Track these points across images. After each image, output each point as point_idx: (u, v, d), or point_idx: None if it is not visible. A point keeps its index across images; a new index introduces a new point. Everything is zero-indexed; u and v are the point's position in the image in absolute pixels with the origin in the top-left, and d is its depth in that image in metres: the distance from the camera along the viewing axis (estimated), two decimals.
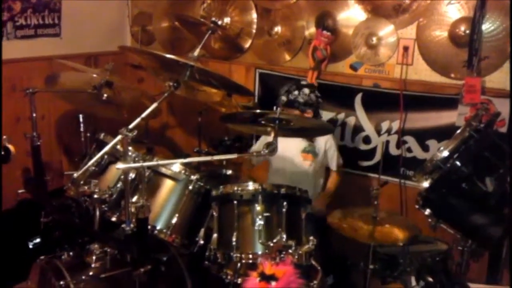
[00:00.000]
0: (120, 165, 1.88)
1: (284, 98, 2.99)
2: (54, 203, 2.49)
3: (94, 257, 2.39)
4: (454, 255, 2.63)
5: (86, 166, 2.06)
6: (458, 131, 2.24)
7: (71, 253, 2.52)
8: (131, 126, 2.05)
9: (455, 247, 2.57)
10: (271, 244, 2.03)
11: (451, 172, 2.21)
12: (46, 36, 3.65)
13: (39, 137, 2.72)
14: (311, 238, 2.13)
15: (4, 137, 2.55)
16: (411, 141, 3.33)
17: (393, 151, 3.39)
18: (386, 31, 3.29)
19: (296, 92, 2.98)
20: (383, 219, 2.59)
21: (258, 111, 2.14)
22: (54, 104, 3.66)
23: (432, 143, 3.24)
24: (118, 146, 2.21)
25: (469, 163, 2.18)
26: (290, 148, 3.02)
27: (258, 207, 2.14)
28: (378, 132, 3.42)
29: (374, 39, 3.31)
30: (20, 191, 2.68)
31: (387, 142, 3.40)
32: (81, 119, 3.22)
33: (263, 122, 2.16)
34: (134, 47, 2.39)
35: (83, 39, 3.90)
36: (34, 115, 2.71)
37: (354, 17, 3.38)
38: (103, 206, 2.39)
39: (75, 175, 2.06)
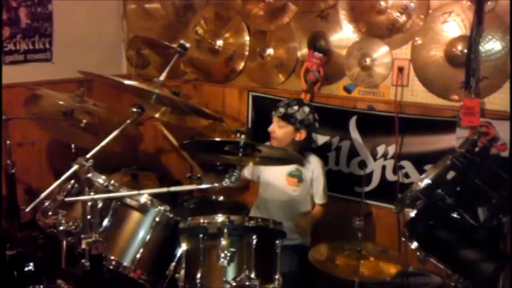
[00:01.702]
0: (69, 198, 1.77)
1: (282, 110, 2.84)
2: (19, 235, 2.39)
3: None
4: None
5: (39, 199, 1.95)
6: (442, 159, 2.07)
7: (41, 287, 2.43)
8: (89, 155, 1.96)
9: (448, 283, 2.37)
10: (234, 283, 1.88)
11: (435, 202, 2.04)
12: (36, 61, 3.61)
13: (13, 165, 2.63)
14: (276, 276, 1.97)
15: None
16: (408, 166, 3.15)
17: (390, 176, 3.22)
18: (380, 51, 3.14)
19: (296, 107, 2.84)
20: (370, 252, 2.41)
21: (218, 139, 2.01)
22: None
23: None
24: (90, 175, 2.11)
25: (453, 193, 2.00)
26: (276, 171, 2.89)
27: (223, 242, 1.99)
28: (374, 157, 3.25)
29: (368, 60, 3.17)
30: None
31: (384, 167, 3.23)
32: (72, 146, 3.15)
33: (227, 149, 2.03)
34: (93, 72, 2.29)
35: (76, 64, 3.78)
36: (8, 142, 2.63)
37: (347, 37, 3.25)
38: (70, 238, 2.27)
39: (28, 207, 1.95)
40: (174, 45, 2.58)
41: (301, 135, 2.85)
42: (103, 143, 1.96)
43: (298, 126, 2.83)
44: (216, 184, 1.83)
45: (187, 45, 2.46)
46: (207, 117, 2.58)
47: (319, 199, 2.91)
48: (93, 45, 3.97)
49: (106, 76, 2.12)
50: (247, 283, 1.92)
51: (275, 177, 2.93)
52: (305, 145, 2.90)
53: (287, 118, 2.83)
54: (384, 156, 3.21)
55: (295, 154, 2.48)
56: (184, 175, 3.72)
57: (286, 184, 2.89)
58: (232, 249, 1.99)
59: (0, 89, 3.02)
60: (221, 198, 3.47)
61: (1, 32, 3.25)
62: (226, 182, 1.84)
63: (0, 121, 3.06)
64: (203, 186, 1.90)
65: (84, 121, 2.76)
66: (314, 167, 2.89)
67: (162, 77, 2.24)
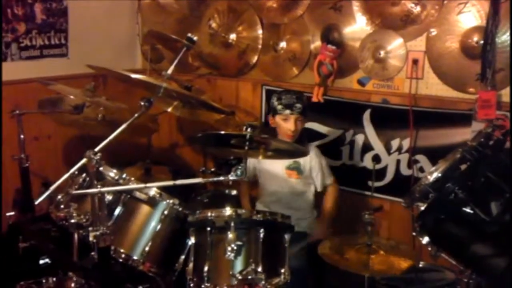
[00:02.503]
0: (75, 191, 1.79)
1: (299, 105, 2.82)
2: (32, 227, 2.43)
3: (73, 285, 2.32)
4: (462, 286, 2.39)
5: (48, 191, 1.98)
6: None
7: (54, 279, 2.46)
8: (97, 148, 1.97)
9: (461, 278, 2.33)
10: (240, 277, 1.88)
11: (446, 196, 2.00)
12: (52, 56, 3.64)
13: (27, 158, 2.66)
14: (283, 270, 1.96)
15: None
16: (423, 160, 3.10)
17: (405, 171, 3.18)
18: (394, 43, 3.10)
19: (303, 98, 2.88)
20: (380, 247, 2.38)
21: (222, 132, 2.00)
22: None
23: None
24: (101, 168, 2.12)
25: (464, 187, 1.96)
26: (275, 166, 2.90)
27: (230, 235, 1.99)
28: (388, 151, 3.21)
29: (382, 53, 3.13)
30: (8, 213, 2.63)
31: (398, 161, 3.19)
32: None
33: (233, 143, 2.02)
34: (102, 66, 2.31)
35: (91, 59, 3.78)
36: (22, 136, 2.66)
37: (360, 29, 3.21)
38: (81, 231, 2.29)
39: (38, 200, 1.97)
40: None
41: (301, 122, 2.89)
42: (111, 137, 1.98)
43: (305, 116, 2.90)
44: (222, 178, 1.82)
45: (195, 38, 2.45)
46: (216, 111, 2.58)
47: (326, 181, 2.94)
48: (108, 40, 4.00)
49: (114, 70, 2.13)
50: (253, 277, 1.91)
51: (275, 170, 2.93)
52: (303, 134, 2.96)
53: (304, 111, 2.85)
54: (399, 150, 3.17)
55: (300, 147, 2.47)
56: (198, 169, 3.75)
57: (286, 177, 2.91)
58: (239, 243, 1.99)
59: (0, 86, 3.08)
60: (234, 192, 3.46)
61: (1, 29, 3.28)
62: (232, 176, 1.83)
63: (0, 115, 3.11)
64: (209, 179, 1.89)
65: (100, 115, 2.78)
66: (311, 155, 2.89)
67: (170, 71, 2.24)
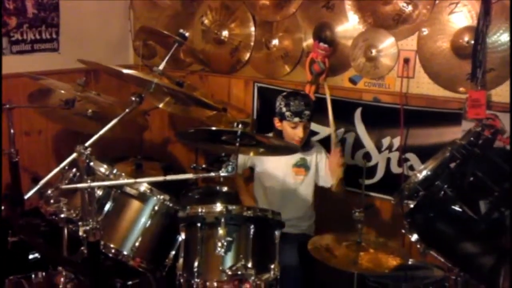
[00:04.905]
0: (65, 186, 1.78)
1: (307, 112, 2.75)
2: (21, 222, 2.42)
3: (62, 279, 2.32)
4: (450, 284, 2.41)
5: (38, 186, 1.97)
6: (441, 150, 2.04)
7: (43, 274, 2.46)
8: (87, 143, 1.97)
9: (449, 276, 2.35)
10: (229, 272, 1.89)
11: (435, 194, 2.02)
12: (43, 51, 3.63)
13: (17, 153, 2.65)
14: (272, 266, 1.97)
15: None
16: (413, 158, 3.12)
17: (395, 169, 3.20)
18: (386, 42, 3.11)
19: (310, 103, 2.82)
20: (370, 244, 2.40)
21: (214, 128, 2.01)
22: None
23: None
24: (92, 163, 2.12)
25: (453, 185, 1.97)
26: (280, 164, 2.87)
27: (220, 231, 2.00)
28: (379, 149, 3.23)
29: (373, 51, 3.14)
30: None
31: (388, 159, 3.21)
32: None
33: (224, 139, 2.02)
34: (92, 61, 2.30)
35: (83, 54, 3.77)
36: (12, 131, 2.65)
37: (352, 28, 3.22)
38: (71, 225, 2.29)
39: (27, 195, 1.97)
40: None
41: (307, 129, 2.87)
42: (101, 132, 1.97)
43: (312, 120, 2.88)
44: (212, 174, 1.82)
45: (186, 34, 2.45)
46: (207, 107, 2.58)
47: (330, 179, 2.92)
48: (100, 35, 3.99)
49: (105, 65, 2.12)
50: (242, 272, 1.92)
51: (280, 168, 2.91)
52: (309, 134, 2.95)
53: (311, 118, 2.82)
54: (389, 148, 3.19)
55: (292, 143, 2.47)
56: (189, 165, 3.74)
57: (293, 175, 2.90)
58: (229, 238, 1.99)
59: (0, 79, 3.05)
60: (225, 188, 3.45)
61: (1, 24, 3.26)
62: (222, 172, 1.83)
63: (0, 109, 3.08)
64: (200, 175, 1.89)
65: (90, 110, 2.77)
66: (316, 150, 2.92)
67: (161, 66, 2.23)
